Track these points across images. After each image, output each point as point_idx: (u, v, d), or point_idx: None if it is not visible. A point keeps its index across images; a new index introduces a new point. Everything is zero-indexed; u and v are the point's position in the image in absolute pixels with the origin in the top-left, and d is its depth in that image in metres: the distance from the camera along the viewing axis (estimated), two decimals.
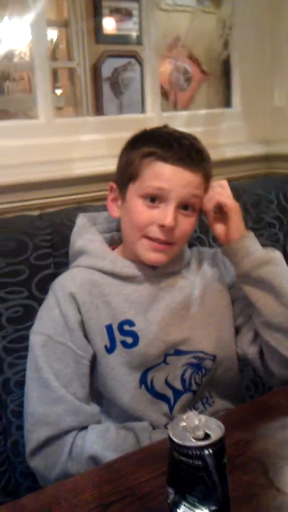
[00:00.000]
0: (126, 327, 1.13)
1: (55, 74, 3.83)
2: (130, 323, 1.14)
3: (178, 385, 1.17)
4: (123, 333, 1.13)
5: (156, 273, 1.19)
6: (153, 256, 1.13)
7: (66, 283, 1.15)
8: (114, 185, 1.20)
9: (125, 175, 1.16)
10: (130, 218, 1.14)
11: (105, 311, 1.14)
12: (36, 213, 1.41)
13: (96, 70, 3.93)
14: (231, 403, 1.24)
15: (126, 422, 1.13)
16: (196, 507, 0.69)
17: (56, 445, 1.07)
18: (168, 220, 1.09)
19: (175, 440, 0.68)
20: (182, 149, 1.12)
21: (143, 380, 1.14)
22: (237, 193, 1.61)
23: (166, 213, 1.10)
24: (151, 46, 1.78)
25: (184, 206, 1.13)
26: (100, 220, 1.27)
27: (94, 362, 1.13)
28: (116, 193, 1.19)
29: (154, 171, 1.11)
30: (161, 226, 1.10)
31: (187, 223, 1.14)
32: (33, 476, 1.13)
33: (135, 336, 1.13)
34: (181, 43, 3.54)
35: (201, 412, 1.16)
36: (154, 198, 1.11)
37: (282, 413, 1.02)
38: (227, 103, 2.04)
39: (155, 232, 1.11)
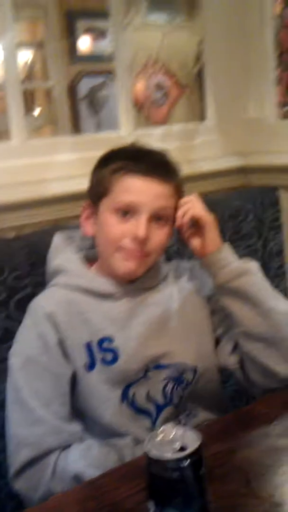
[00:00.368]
0: (106, 344, 1.14)
1: (32, 95, 3.85)
2: (110, 339, 1.14)
3: (159, 399, 1.17)
4: (102, 350, 1.13)
5: (134, 288, 1.19)
6: (127, 265, 1.13)
7: (43, 303, 1.16)
8: (87, 204, 1.21)
9: (97, 192, 1.17)
10: (104, 233, 1.15)
11: (84, 329, 1.14)
12: (12, 234, 1.41)
13: (72, 90, 3.96)
14: (214, 414, 1.24)
15: (109, 439, 1.13)
16: None
17: (39, 466, 1.06)
18: (141, 232, 1.10)
19: (152, 453, 0.69)
20: (151, 162, 1.14)
21: (124, 396, 1.14)
22: (214, 205, 1.62)
23: (138, 226, 1.11)
24: (123, 64, 1.80)
25: (156, 217, 1.14)
26: (77, 238, 1.28)
27: (74, 380, 1.13)
28: (90, 211, 1.20)
29: (124, 185, 1.13)
30: (134, 239, 1.11)
31: (160, 234, 1.15)
32: (18, 498, 1.12)
33: (114, 353, 1.13)
34: (155, 59, 3.58)
35: (184, 424, 1.16)
36: (126, 212, 1.13)
37: (264, 422, 1.03)
38: (203, 116, 2.06)
39: (129, 246, 1.12)
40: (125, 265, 1.14)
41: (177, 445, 0.69)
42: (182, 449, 0.69)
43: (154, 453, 0.69)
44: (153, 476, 0.69)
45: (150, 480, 0.71)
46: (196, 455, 0.68)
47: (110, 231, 1.14)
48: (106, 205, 1.15)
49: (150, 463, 0.69)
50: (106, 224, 1.15)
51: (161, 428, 0.71)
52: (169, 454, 0.68)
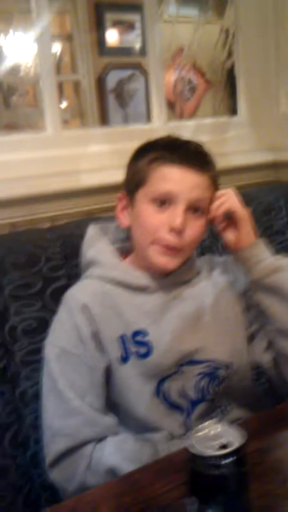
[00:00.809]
0: (139, 338, 1.13)
1: (60, 87, 3.85)
2: (144, 333, 1.13)
3: (193, 394, 1.16)
4: (136, 344, 1.13)
5: (168, 282, 1.18)
6: (163, 260, 1.13)
7: (78, 295, 1.15)
8: (123, 195, 1.21)
9: (133, 182, 1.17)
10: (140, 223, 1.15)
11: (118, 322, 1.13)
12: (46, 225, 1.41)
13: (100, 82, 3.96)
14: (247, 412, 1.23)
15: (143, 433, 1.12)
16: None
17: (75, 457, 1.06)
18: (178, 221, 1.10)
19: (196, 449, 0.68)
20: (188, 152, 1.14)
21: (158, 391, 1.13)
22: (246, 200, 1.61)
23: (175, 216, 1.10)
24: (155, 57, 1.79)
25: (193, 208, 1.13)
26: (111, 230, 1.27)
27: (109, 372, 1.13)
28: (125, 202, 1.20)
29: (161, 174, 1.12)
30: (171, 229, 1.10)
31: (196, 226, 1.14)
32: (53, 488, 1.13)
33: (148, 346, 1.13)
34: (184, 54, 3.56)
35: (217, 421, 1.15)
36: (163, 202, 1.12)
37: None
38: (233, 111, 2.04)
39: (165, 237, 1.11)
40: (161, 259, 1.13)
41: (222, 441, 0.68)
42: (226, 445, 0.68)
43: (197, 448, 0.68)
44: (196, 472, 0.68)
45: (192, 476, 0.70)
46: (240, 452, 0.67)
47: (146, 221, 1.13)
48: (142, 195, 1.15)
49: (193, 458, 0.68)
50: (142, 214, 1.14)
51: (206, 423, 0.70)
52: (213, 450, 0.67)
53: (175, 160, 1.12)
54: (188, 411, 1.15)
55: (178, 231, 1.10)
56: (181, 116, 3.71)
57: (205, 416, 1.16)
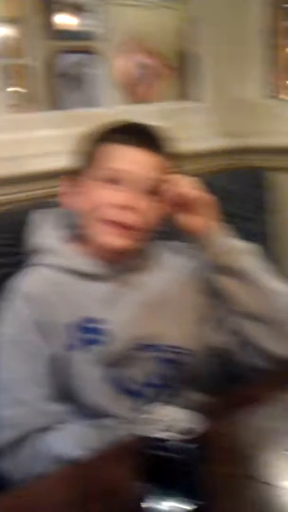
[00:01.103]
0: (89, 324, 1.12)
1: (8, 70, 3.77)
2: (94, 320, 1.12)
3: (145, 379, 1.15)
4: (85, 331, 1.11)
5: (120, 269, 1.17)
6: (109, 238, 1.11)
7: (22, 283, 1.13)
8: (66, 178, 1.19)
9: (82, 163, 1.16)
10: (87, 202, 1.13)
11: (66, 309, 1.12)
12: None
13: (52, 66, 3.91)
14: (202, 395, 1.22)
15: (94, 419, 1.11)
16: (173, 501, 0.68)
17: (22, 447, 1.05)
18: (125, 198, 1.09)
19: (150, 434, 0.67)
20: (140, 132, 1.14)
21: (109, 377, 1.12)
22: (203, 187, 1.61)
23: (125, 194, 1.09)
24: (106, 41, 1.76)
25: (144, 189, 1.12)
26: (55, 216, 1.25)
27: (57, 361, 1.11)
28: (71, 184, 1.18)
29: (111, 153, 1.12)
30: (120, 207, 1.09)
31: (148, 207, 1.13)
32: (2, 479, 1.10)
33: (99, 333, 1.12)
34: (141, 38, 3.53)
35: (173, 406, 1.14)
36: (110, 181, 1.11)
37: (254, 403, 1.02)
38: (191, 96, 2.02)
39: (113, 213, 1.10)
40: (107, 238, 1.11)
41: (177, 426, 0.68)
42: (182, 430, 0.68)
43: (152, 433, 0.67)
44: (152, 457, 0.67)
45: (148, 462, 0.69)
46: (197, 436, 0.67)
47: (93, 199, 1.12)
48: (91, 174, 1.14)
49: (149, 444, 0.67)
50: (90, 193, 1.13)
51: (160, 408, 0.70)
52: (168, 435, 0.67)
53: (125, 140, 1.12)
54: (139, 396, 1.15)
55: (128, 210, 1.09)
56: (137, 101, 3.70)
57: (156, 400, 1.15)
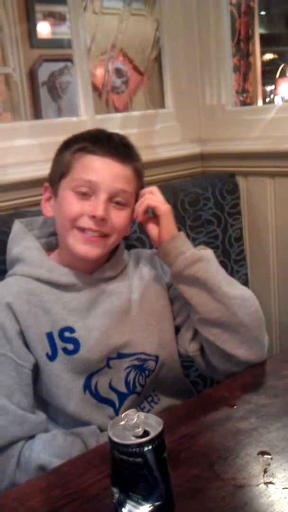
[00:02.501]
0: (67, 334, 1.13)
1: None
2: (71, 329, 1.13)
3: (122, 388, 1.17)
4: (64, 340, 1.13)
5: (94, 278, 1.19)
6: (83, 248, 1.13)
7: (1, 293, 1.14)
8: (48, 185, 1.21)
9: (57, 173, 1.17)
10: (62, 211, 1.15)
11: (45, 319, 1.13)
12: None
13: (32, 75, 3.89)
14: (177, 400, 1.25)
15: (73, 428, 1.12)
16: (140, 504, 0.70)
17: (3, 457, 1.06)
18: (99, 210, 1.10)
19: (114, 439, 0.69)
20: (111, 143, 1.15)
21: (87, 385, 1.14)
22: (174, 192, 1.64)
23: (96, 205, 1.11)
24: (81, 49, 1.77)
25: (115, 199, 1.14)
26: (37, 225, 1.26)
27: (36, 370, 1.13)
28: (49, 193, 1.20)
29: (84, 164, 1.13)
30: (92, 217, 1.11)
31: (119, 216, 1.15)
32: None
33: (76, 343, 1.13)
34: (114, 45, 3.55)
35: (147, 411, 1.17)
36: (84, 192, 1.13)
37: (225, 406, 1.04)
38: (163, 103, 2.05)
39: (86, 222, 1.12)
40: (81, 247, 1.13)
41: (140, 431, 0.69)
42: (144, 434, 0.69)
43: (117, 438, 0.68)
44: (116, 461, 0.69)
45: (113, 466, 0.71)
46: (158, 439, 0.68)
47: (68, 209, 1.13)
48: (65, 184, 1.15)
49: (113, 448, 0.69)
50: (64, 202, 1.14)
51: (124, 414, 0.71)
52: (131, 439, 0.68)
53: (98, 151, 1.13)
54: (117, 404, 1.17)
55: (100, 219, 1.11)
56: (115, 110, 3.70)
57: (133, 408, 1.17)
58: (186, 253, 1.16)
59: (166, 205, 1.19)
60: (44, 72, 3.91)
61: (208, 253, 1.18)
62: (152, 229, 1.20)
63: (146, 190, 1.20)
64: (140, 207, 1.18)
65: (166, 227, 1.18)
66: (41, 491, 0.86)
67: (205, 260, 1.16)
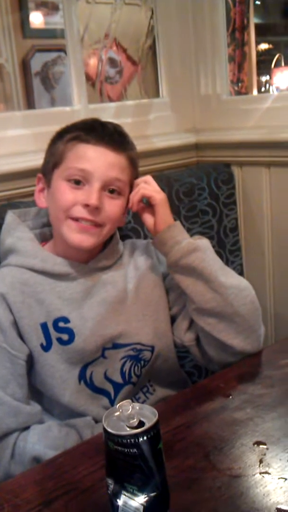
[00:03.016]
0: (61, 324, 1.12)
1: None
2: (65, 320, 1.13)
3: (117, 378, 1.17)
4: (58, 330, 1.12)
5: (89, 268, 1.18)
6: (78, 237, 1.12)
7: None
8: (41, 175, 1.20)
9: (51, 163, 1.16)
10: (55, 201, 1.14)
11: (39, 310, 1.12)
12: None
13: (25, 65, 3.87)
14: (173, 391, 1.25)
15: (68, 419, 1.12)
16: (135, 495, 0.69)
17: (0, 448, 1.05)
18: (93, 199, 1.10)
19: (109, 430, 0.68)
20: (105, 132, 1.15)
21: (82, 376, 1.14)
22: (169, 182, 1.63)
23: (90, 193, 1.10)
24: (74, 38, 1.76)
25: (109, 188, 1.14)
26: (30, 216, 1.25)
27: (31, 361, 1.12)
28: (43, 183, 1.19)
29: (77, 153, 1.13)
30: (86, 206, 1.10)
31: (113, 205, 1.14)
32: None
33: (70, 333, 1.13)
34: (107, 34, 3.52)
35: (143, 402, 1.17)
36: (78, 181, 1.12)
37: (221, 396, 1.04)
38: (158, 93, 2.04)
39: (80, 211, 1.11)
40: (75, 237, 1.12)
41: (135, 421, 0.69)
42: (139, 425, 0.68)
43: (112, 429, 0.68)
44: (111, 452, 0.69)
45: (108, 457, 0.70)
46: (153, 430, 0.68)
47: (61, 198, 1.12)
48: (58, 174, 1.14)
49: (108, 439, 0.68)
50: (58, 191, 1.13)
51: (118, 405, 0.70)
52: (126, 430, 0.68)
53: (91, 140, 1.13)
54: (113, 395, 1.16)
55: (93, 208, 1.10)
56: (108, 100, 3.68)
57: (129, 398, 1.17)
58: (182, 243, 1.15)
59: (162, 194, 1.19)
60: (37, 62, 3.88)
61: (204, 243, 1.17)
62: (148, 218, 1.20)
63: (141, 179, 1.20)
64: (135, 196, 1.18)
65: (161, 217, 1.18)
66: (35, 482, 0.86)
67: (201, 250, 1.15)
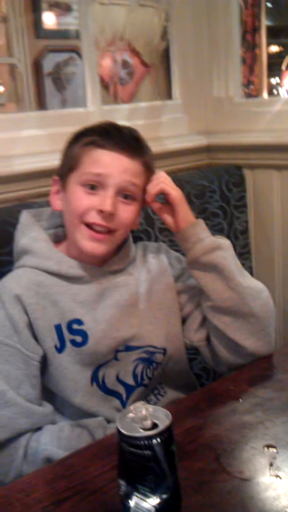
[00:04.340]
0: (75, 326, 1.13)
1: None
2: (79, 322, 1.13)
3: (129, 380, 1.17)
4: (72, 332, 1.13)
5: (103, 271, 1.19)
6: (90, 245, 1.13)
7: (11, 285, 1.13)
8: (57, 178, 1.20)
9: (66, 166, 1.16)
10: (70, 205, 1.14)
11: (53, 311, 1.13)
12: None
13: (37, 66, 3.88)
14: (182, 393, 1.25)
15: (80, 419, 1.12)
16: (147, 497, 0.69)
17: (10, 449, 1.06)
18: (107, 205, 1.10)
19: (123, 431, 0.68)
20: (121, 137, 1.14)
21: (94, 378, 1.14)
22: (180, 184, 1.62)
23: (105, 199, 1.10)
24: (89, 40, 1.76)
25: (123, 194, 1.14)
26: (44, 216, 1.26)
27: (44, 362, 1.12)
28: (59, 186, 1.19)
29: (93, 158, 1.13)
30: (100, 212, 1.11)
31: (127, 211, 1.14)
32: None
33: (84, 335, 1.13)
34: (120, 37, 3.53)
35: (154, 404, 1.17)
36: (93, 186, 1.12)
37: (231, 399, 1.04)
38: (170, 95, 2.04)
39: (94, 217, 1.11)
40: (88, 244, 1.13)
41: (148, 423, 0.69)
42: (153, 427, 0.69)
43: (125, 430, 0.68)
44: (125, 453, 0.69)
45: (121, 458, 0.70)
46: (166, 432, 0.68)
47: (76, 203, 1.13)
48: (74, 178, 1.14)
49: (122, 440, 0.69)
50: (73, 196, 1.14)
51: (132, 406, 0.71)
52: (140, 432, 0.68)
53: (107, 145, 1.13)
54: (124, 396, 1.17)
55: (108, 214, 1.10)
56: (120, 101, 3.69)
57: (141, 400, 1.17)
58: (206, 240, 1.17)
59: (179, 191, 1.19)
60: (49, 62, 3.90)
61: (227, 243, 1.19)
62: (168, 217, 1.20)
63: (157, 175, 1.19)
64: (153, 188, 1.17)
65: (183, 215, 1.19)
66: (46, 482, 0.86)
67: (224, 249, 1.17)
